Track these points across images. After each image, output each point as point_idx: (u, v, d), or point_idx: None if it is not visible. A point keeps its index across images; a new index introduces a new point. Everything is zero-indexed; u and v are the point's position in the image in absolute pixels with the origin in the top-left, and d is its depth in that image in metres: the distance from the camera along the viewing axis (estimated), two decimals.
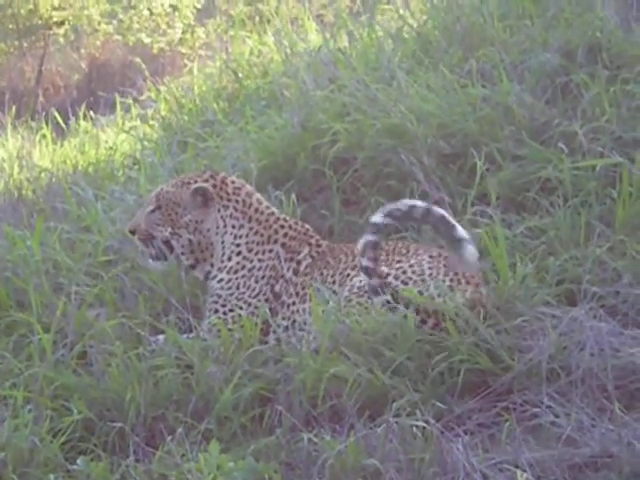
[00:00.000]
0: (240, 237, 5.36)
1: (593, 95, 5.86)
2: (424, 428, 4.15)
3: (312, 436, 4.31)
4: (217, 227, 5.37)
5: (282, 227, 5.38)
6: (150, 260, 5.43)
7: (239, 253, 5.35)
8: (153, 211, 5.42)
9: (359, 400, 4.44)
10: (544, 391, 4.42)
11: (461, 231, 4.69)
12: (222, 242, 5.37)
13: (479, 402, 4.49)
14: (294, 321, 5.12)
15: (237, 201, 5.39)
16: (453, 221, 4.72)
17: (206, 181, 5.40)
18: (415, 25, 7.15)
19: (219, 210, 5.37)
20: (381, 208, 4.80)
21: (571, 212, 5.30)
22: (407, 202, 4.78)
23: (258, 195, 5.49)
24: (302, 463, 4.28)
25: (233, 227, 5.36)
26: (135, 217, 5.52)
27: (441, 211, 4.73)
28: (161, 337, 5.05)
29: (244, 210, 5.38)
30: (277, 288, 5.26)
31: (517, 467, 4.08)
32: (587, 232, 5.19)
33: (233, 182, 5.45)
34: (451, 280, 4.77)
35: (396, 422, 4.19)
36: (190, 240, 5.36)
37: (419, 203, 4.77)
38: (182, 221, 5.37)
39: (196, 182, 5.39)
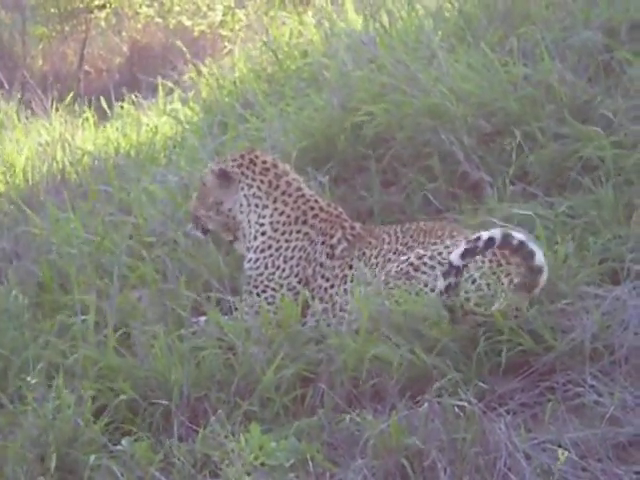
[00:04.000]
0: (264, 217, 5.39)
1: (635, 73, 5.79)
2: (466, 408, 4.15)
3: (354, 416, 4.32)
4: (240, 206, 5.42)
5: (312, 209, 5.39)
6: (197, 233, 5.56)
7: (264, 233, 5.38)
8: (197, 197, 5.54)
9: (401, 380, 4.45)
10: (587, 370, 4.40)
11: (540, 259, 4.55)
12: (248, 221, 5.42)
13: (522, 382, 4.48)
14: (334, 304, 5.12)
15: (262, 181, 5.42)
16: (534, 247, 4.55)
17: (235, 161, 5.45)
18: (456, 3, 7.10)
19: (242, 189, 5.42)
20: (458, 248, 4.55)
21: (613, 190, 5.25)
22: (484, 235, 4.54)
23: (291, 176, 5.49)
24: (344, 443, 4.30)
25: (256, 206, 5.40)
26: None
27: (520, 236, 4.57)
28: (202, 319, 5.08)
29: (268, 191, 5.40)
30: (309, 271, 5.27)
31: (560, 447, 4.07)
32: (629, 210, 5.14)
33: (264, 162, 5.47)
34: (490, 261, 4.75)
35: (438, 402, 4.19)
36: (218, 220, 5.44)
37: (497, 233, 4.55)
38: (208, 203, 5.46)
39: (225, 163, 5.47)
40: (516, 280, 4.62)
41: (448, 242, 4.89)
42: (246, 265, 5.38)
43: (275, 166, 5.48)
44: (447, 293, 4.50)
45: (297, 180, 5.50)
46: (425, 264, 4.81)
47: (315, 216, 5.37)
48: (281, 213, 5.38)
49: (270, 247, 5.35)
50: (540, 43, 6.05)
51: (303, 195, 5.44)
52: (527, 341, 4.49)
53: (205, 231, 5.50)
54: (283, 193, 5.41)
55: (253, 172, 5.43)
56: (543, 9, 6.46)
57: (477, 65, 6.04)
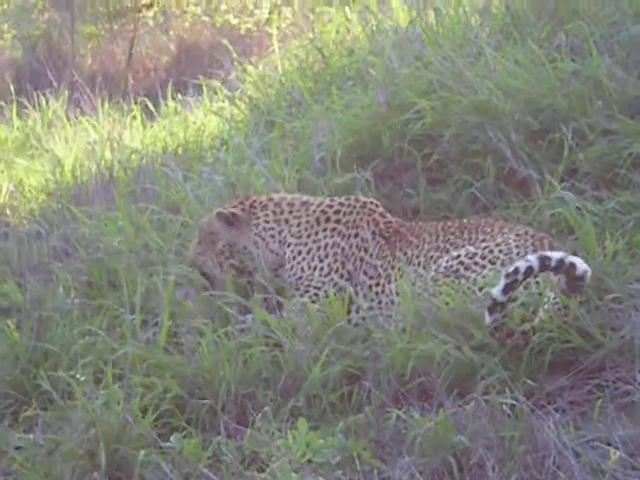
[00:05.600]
0: (284, 238, 5.47)
1: None
2: (514, 406, 4.13)
3: (401, 413, 4.32)
4: (255, 243, 5.48)
5: (330, 207, 5.44)
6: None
7: (289, 245, 5.45)
8: (199, 243, 5.56)
9: (448, 378, 4.43)
10: (637, 368, 4.36)
11: (582, 266, 4.48)
12: (271, 251, 5.48)
13: (570, 380, 4.45)
14: (379, 302, 5.12)
15: (267, 214, 5.52)
16: (572, 260, 4.47)
17: (235, 207, 5.55)
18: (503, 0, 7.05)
19: (252, 230, 5.50)
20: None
21: None
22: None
23: (290, 197, 5.58)
24: (391, 440, 4.30)
25: (272, 237, 5.49)
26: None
27: (557, 254, 4.48)
28: (249, 316, 5.09)
29: (277, 219, 5.51)
30: (350, 266, 5.28)
31: (609, 445, 4.05)
32: None
33: (261, 201, 5.57)
34: None
35: (485, 400, 4.17)
36: (232, 264, 5.45)
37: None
38: (217, 248, 5.49)
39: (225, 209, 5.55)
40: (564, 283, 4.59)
41: (499, 239, 4.86)
42: (285, 277, 5.41)
43: (270, 199, 5.58)
44: (494, 327, 4.47)
45: (299, 197, 5.60)
46: (476, 263, 4.79)
47: (337, 212, 5.41)
48: (298, 224, 5.47)
49: (300, 252, 5.39)
50: (589, 38, 5.99)
51: (312, 203, 5.52)
52: (576, 339, 4.46)
53: (206, 277, 5.48)
54: (290, 212, 5.51)
55: (255, 214, 5.53)
56: (592, 4, 6.39)
57: (525, 61, 6.00)
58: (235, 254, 5.49)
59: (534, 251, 4.72)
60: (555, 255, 4.47)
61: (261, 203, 5.58)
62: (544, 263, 4.44)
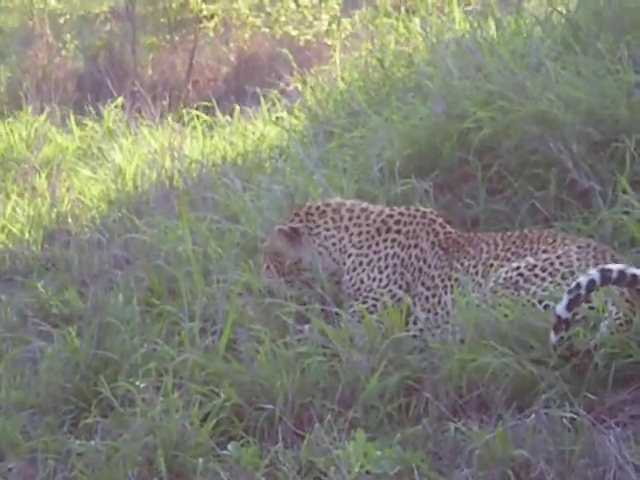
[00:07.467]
0: (345, 246, 5.44)
1: None
2: (574, 419, 4.09)
3: (459, 425, 4.30)
4: (320, 254, 5.46)
5: (390, 216, 5.41)
6: None
7: (350, 255, 5.42)
8: (267, 268, 5.54)
9: (507, 390, 4.40)
10: None
11: None
12: (334, 260, 5.46)
13: (632, 394, 4.40)
14: (436, 313, 5.09)
15: (326, 222, 5.49)
16: (635, 271, 4.39)
17: (292, 220, 5.53)
18: (565, 11, 7.00)
19: (314, 241, 5.48)
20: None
21: None
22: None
23: (349, 203, 5.54)
24: (449, 453, 4.28)
25: (334, 245, 5.46)
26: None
27: (617, 266, 4.43)
28: (307, 326, 5.10)
29: (337, 226, 5.47)
30: (409, 277, 5.27)
31: None
32: None
33: (317, 208, 5.54)
34: None
35: (545, 413, 4.14)
36: (302, 280, 5.45)
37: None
38: (284, 268, 5.48)
39: (286, 224, 5.52)
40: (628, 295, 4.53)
41: (560, 251, 4.81)
42: (344, 288, 5.41)
43: (327, 205, 5.55)
44: (560, 345, 4.42)
45: (357, 203, 5.56)
46: (536, 275, 4.75)
47: (398, 222, 5.39)
48: (359, 233, 5.44)
49: (361, 263, 5.38)
50: None
51: (372, 212, 5.49)
52: (637, 353, 4.40)
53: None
54: (350, 219, 5.48)
55: (314, 222, 5.51)
56: None
57: (586, 72, 5.95)
58: (303, 271, 5.48)
59: (596, 264, 4.68)
60: (616, 267, 4.42)
61: (318, 209, 5.56)
62: (605, 276, 4.39)
